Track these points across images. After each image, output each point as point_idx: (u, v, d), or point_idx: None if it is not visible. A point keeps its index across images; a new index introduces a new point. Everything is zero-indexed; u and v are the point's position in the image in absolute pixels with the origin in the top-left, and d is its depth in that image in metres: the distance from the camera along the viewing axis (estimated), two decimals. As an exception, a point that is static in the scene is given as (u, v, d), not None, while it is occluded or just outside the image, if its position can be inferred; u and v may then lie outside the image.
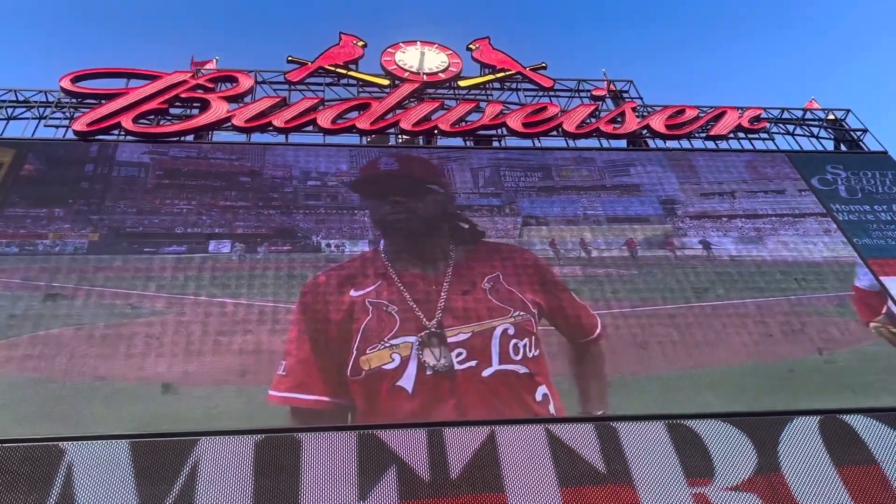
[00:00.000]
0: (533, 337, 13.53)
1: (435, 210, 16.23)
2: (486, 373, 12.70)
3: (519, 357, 13.08)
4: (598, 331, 14.02)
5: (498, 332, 13.40)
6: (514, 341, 13.29)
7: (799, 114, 21.76)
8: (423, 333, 13.21)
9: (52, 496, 9.50)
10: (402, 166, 17.45)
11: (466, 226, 16.20)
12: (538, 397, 12.53)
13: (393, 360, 12.71)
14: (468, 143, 19.10)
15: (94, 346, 12.13)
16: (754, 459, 11.16)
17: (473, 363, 12.79)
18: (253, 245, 15.14)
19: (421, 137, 18.82)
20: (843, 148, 20.90)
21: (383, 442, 10.82)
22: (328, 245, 15.48)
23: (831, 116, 21.80)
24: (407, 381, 12.43)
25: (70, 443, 10.26)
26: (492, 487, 10.36)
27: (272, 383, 12.15)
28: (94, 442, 10.34)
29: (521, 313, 13.89)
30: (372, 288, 14.02)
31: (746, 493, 10.70)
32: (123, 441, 10.37)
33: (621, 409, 12.30)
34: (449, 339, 13.14)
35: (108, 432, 10.60)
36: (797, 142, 20.66)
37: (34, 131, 16.96)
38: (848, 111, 21.66)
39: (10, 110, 17.59)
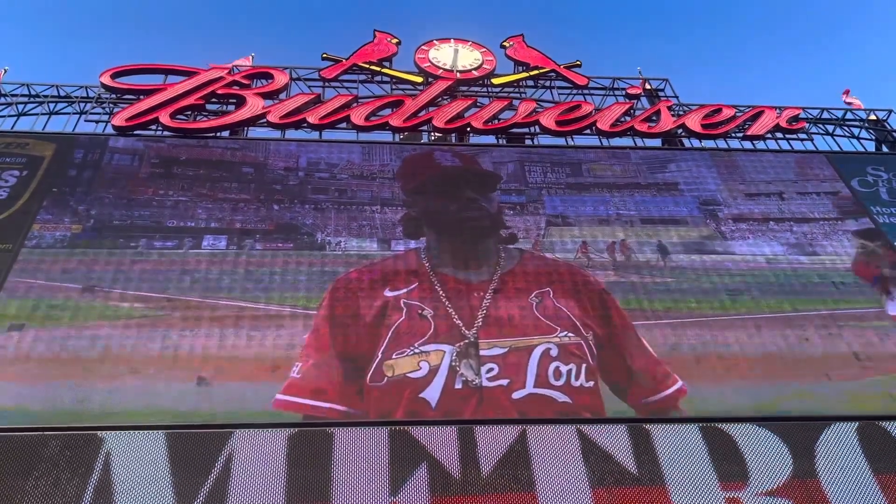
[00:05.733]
0: (584, 364, 12.27)
1: (496, 211, 15.63)
2: (517, 394, 11.74)
3: (560, 383, 11.92)
4: (673, 388, 12.36)
5: (538, 351, 12.32)
6: (556, 364, 12.14)
7: (839, 114, 21.34)
8: (461, 343, 12.28)
9: (91, 482, 9.74)
10: (465, 162, 16.84)
11: (506, 232, 15.22)
12: None
13: (420, 368, 11.89)
14: (500, 140, 19.03)
15: (129, 339, 12.20)
16: (790, 465, 10.97)
17: (504, 382, 11.84)
18: (251, 240, 14.35)
19: (453, 135, 18.81)
20: (884, 149, 20.45)
21: (414, 438, 10.83)
22: (329, 242, 14.56)
23: (873, 117, 21.33)
24: (432, 394, 11.60)
25: (108, 432, 10.48)
26: (522, 486, 10.33)
27: (283, 386, 11.57)
28: (131, 432, 10.55)
29: (569, 334, 12.73)
30: (408, 289, 13.17)
31: (782, 498, 10.52)
32: (160, 432, 10.57)
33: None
34: (482, 352, 12.17)
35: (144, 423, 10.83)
36: (837, 142, 20.29)
37: (75, 126, 17.36)
38: (890, 111, 21.21)
39: (51, 105, 18.00)
